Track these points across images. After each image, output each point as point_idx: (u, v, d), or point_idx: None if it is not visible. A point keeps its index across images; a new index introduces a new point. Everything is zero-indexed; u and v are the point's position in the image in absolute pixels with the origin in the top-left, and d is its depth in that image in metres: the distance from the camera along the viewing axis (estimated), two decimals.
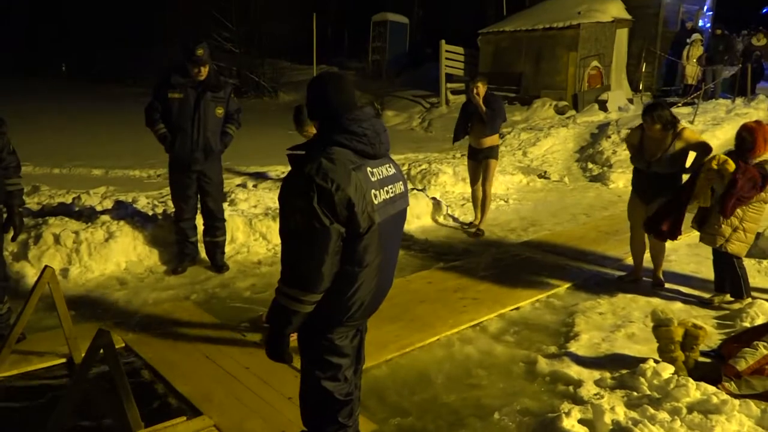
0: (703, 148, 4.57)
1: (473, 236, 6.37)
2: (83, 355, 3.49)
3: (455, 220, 6.96)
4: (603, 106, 13.64)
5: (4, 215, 3.76)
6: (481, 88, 6.17)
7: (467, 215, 7.08)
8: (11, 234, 3.81)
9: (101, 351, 2.66)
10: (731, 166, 4.21)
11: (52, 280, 3.35)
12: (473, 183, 6.62)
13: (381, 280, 2.22)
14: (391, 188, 2.20)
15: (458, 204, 7.68)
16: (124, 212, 5.51)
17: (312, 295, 2.05)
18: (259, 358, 3.62)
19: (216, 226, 5.16)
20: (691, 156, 4.66)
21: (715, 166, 4.27)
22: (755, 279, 4.95)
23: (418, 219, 6.67)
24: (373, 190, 2.10)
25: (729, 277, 4.52)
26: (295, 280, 2.05)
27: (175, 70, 4.78)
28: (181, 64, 4.77)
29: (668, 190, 4.63)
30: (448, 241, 6.16)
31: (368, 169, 2.12)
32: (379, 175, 2.16)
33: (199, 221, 5.24)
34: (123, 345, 3.78)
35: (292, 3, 21.38)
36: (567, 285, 4.95)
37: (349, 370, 2.30)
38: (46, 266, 3.38)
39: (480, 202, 6.57)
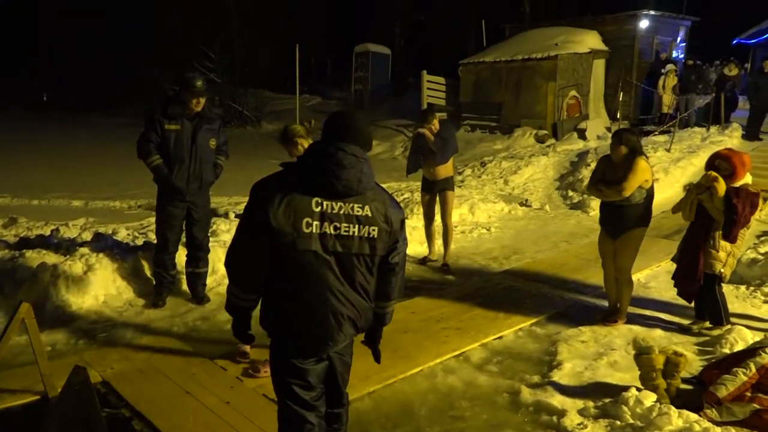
0: (631, 179, 4.40)
1: (441, 271, 6.14)
2: (59, 392, 3.43)
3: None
4: (582, 135, 13.90)
5: None
6: (434, 125, 5.97)
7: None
8: None
9: (77, 388, 2.61)
10: (721, 185, 4.26)
11: (27, 316, 3.29)
12: (427, 216, 6.39)
13: (322, 312, 2.22)
14: (346, 227, 2.18)
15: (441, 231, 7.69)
16: (103, 244, 5.45)
17: (243, 293, 2.28)
18: (240, 393, 3.58)
19: (200, 256, 5.13)
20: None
21: (704, 182, 4.34)
22: (734, 305, 5.01)
23: (407, 245, 6.66)
24: (307, 219, 2.14)
25: (709, 304, 4.58)
26: (230, 276, 2.29)
27: (171, 101, 4.80)
28: (176, 95, 4.80)
29: (632, 222, 4.54)
30: (430, 270, 6.16)
31: (315, 199, 2.15)
32: (331, 209, 2.17)
33: (181, 252, 5.20)
34: (100, 381, 3.70)
35: (274, 34, 21.66)
36: (549, 313, 4.97)
37: (308, 394, 2.34)
38: (21, 301, 3.33)
39: (436, 235, 6.43)
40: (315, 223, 2.15)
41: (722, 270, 4.47)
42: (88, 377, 2.63)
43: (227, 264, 2.29)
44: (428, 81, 16.76)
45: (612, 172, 4.58)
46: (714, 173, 4.34)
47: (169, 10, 21.50)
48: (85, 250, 5.23)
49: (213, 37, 21.59)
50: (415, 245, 6.70)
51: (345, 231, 2.19)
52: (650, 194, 4.56)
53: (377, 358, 2.58)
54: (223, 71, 21.48)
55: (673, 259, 4.86)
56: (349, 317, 2.28)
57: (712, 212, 4.40)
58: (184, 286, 5.25)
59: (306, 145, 3.93)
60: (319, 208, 2.15)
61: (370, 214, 2.23)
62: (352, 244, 2.21)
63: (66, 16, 27.14)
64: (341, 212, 2.18)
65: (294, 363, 2.31)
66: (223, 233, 6.13)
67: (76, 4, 26.59)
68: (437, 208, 6.34)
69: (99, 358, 4.01)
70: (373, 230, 2.24)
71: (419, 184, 6.54)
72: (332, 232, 2.17)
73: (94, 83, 26.51)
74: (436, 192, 6.21)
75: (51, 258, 5.03)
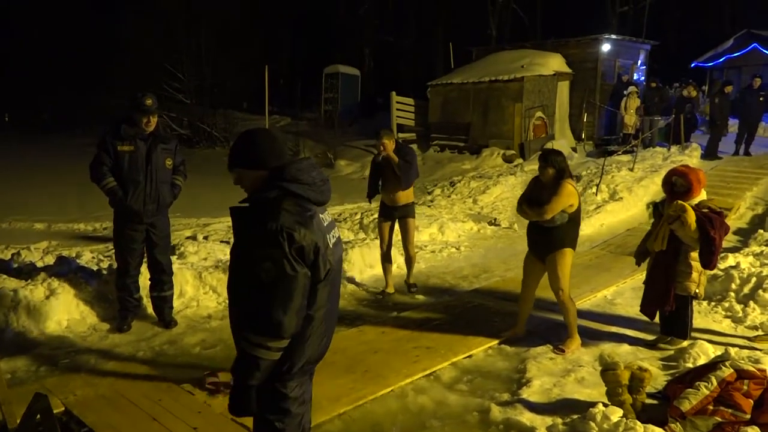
0: (554, 202, 4.40)
1: (408, 293, 6.03)
2: (18, 421, 3.32)
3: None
4: None
5: None
6: (388, 144, 5.68)
7: (419, 263, 7.10)
8: None
9: (38, 416, 2.54)
10: (691, 215, 4.31)
11: None
12: (384, 244, 6.04)
13: (329, 324, 2.31)
14: (332, 234, 2.28)
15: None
16: (66, 268, 5.33)
17: (281, 342, 2.08)
18: (208, 419, 3.52)
19: (163, 280, 5.04)
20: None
21: (673, 213, 4.41)
22: (696, 320, 5.11)
23: (371, 268, 6.67)
24: (326, 235, 2.20)
25: (680, 319, 4.64)
26: (264, 328, 2.05)
27: (123, 122, 4.73)
28: (127, 116, 4.73)
29: (557, 243, 4.52)
30: (401, 290, 6.17)
31: (320, 215, 2.22)
32: (325, 221, 2.26)
33: (144, 276, 5.11)
34: (62, 409, 3.59)
35: (243, 54, 21.65)
36: (519, 332, 5.00)
37: (306, 416, 2.33)
38: None
39: (396, 266, 6.30)
40: (329, 236, 2.22)
41: (697, 290, 4.56)
42: (50, 405, 2.56)
43: (259, 318, 2.04)
44: (397, 102, 16.94)
45: (538, 192, 4.60)
46: (681, 202, 4.40)
47: (137, 32, 21.31)
48: (47, 274, 5.10)
49: (181, 58, 21.50)
50: (378, 267, 6.39)
51: (334, 238, 2.27)
52: (573, 218, 4.55)
53: None
54: (191, 92, 21.37)
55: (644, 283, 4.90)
56: (335, 324, 2.39)
57: (684, 239, 4.44)
58: (150, 310, 5.16)
59: None
60: (324, 222, 2.23)
61: (330, 218, 2.34)
62: (340, 248, 2.34)
63: (32, 38, 26.73)
64: (328, 221, 2.28)
65: (299, 391, 2.24)
66: (191, 255, 6.06)
67: (42, 26, 26.23)
68: (396, 237, 6.08)
69: (61, 385, 3.89)
70: (337, 231, 2.36)
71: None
72: (330, 243, 2.23)
73: (58, 104, 26.09)
74: (395, 218, 5.96)
75: (11, 283, 4.90)
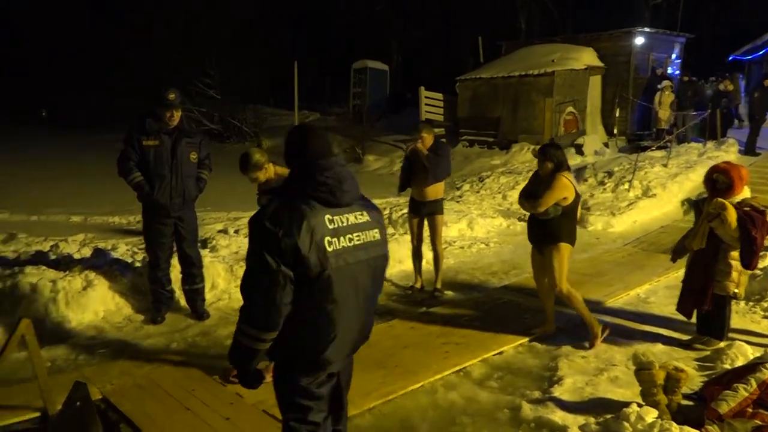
0: (547, 195, 4.39)
1: (431, 297, 5.82)
2: (59, 408, 3.42)
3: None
4: (579, 150, 13.98)
5: None
6: (426, 138, 5.58)
7: (448, 258, 7.09)
8: None
9: (78, 404, 2.60)
10: (731, 213, 4.21)
11: (27, 332, 3.28)
12: (415, 240, 6.01)
13: (343, 328, 2.23)
14: (357, 236, 2.23)
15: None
16: (102, 260, 5.45)
17: (264, 334, 2.13)
18: (240, 410, 3.57)
19: (193, 273, 5.11)
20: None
21: (712, 210, 4.31)
22: (734, 320, 4.99)
23: (400, 264, 6.67)
24: (328, 237, 2.14)
25: (718, 319, 4.55)
26: (248, 318, 2.14)
27: (148, 117, 4.78)
28: (152, 111, 4.79)
29: (553, 237, 4.51)
30: (430, 285, 6.15)
31: (326, 216, 2.16)
32: (341, 222, 2.20)
33: (176, 269, 5.19)
34: (100, 397, 3.68)
35: (273, 50, 21.81)
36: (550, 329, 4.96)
37: (318, 415, 2.31)
38: (21, 317, 3.32)
39: (425, 262, 6.19)
40: (333, 239, 2.15)
41: (736, 291, 4.46)
42: (89, 393, 2.62)
43: (248, 309, 2.13)
44: (426, 97, 16.89)
45: (535, 185, 4.62)
46: (721, 200, 4.31)
47: (168, 29, 21.63)
48: (84, 266, 5.22)
49: (212, 54, 21.74)
50: (408, 262, 6.43)
51: (357, 240, 2.23)
52: (567, 212, 4.50)
53: None
54: (221, 87, 21.60)
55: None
56: (360, 329, 2.32)
57: (724, 238, 4.35)
58: (183, 302, 5.24)
59: (271, 167, 3.96)
60: (333, 224, 2.16)
61: (369, 219, 2.30)
62: (370, 251, 2.27)
63: (68, 35, 27.32)
64: (350, 223, 2.22)
65: (306, 383, 2.25)
66: (223, 248, 6.14)
67: (79, 24, 26.78)
68: (426, 232, 6.01)
69: (99, 373, 3.99)
70: (376, 233, 2.31)
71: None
72: (347, 244, 2.19)
73: (93, 101, 26.64)
74: (423, 215, 5.88)
75: (50, 274, 5.02)
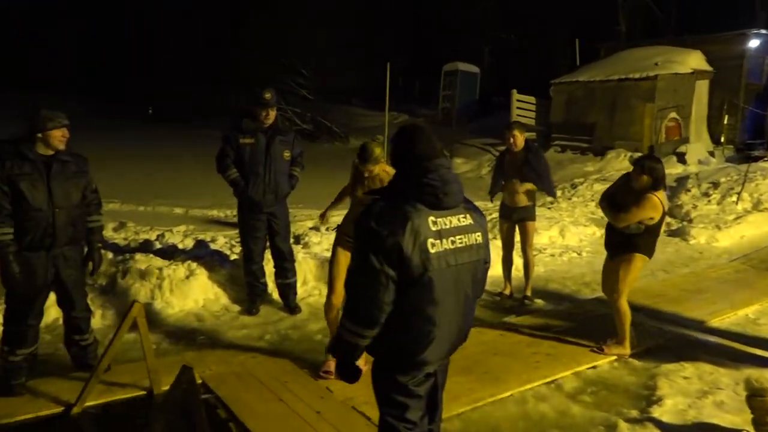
0: (633, 212, 4.17)
1: (520, 305, 5.70)
2: (163, 388, 3.63)
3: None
4: (681, 159, 13.24)
5: (86, 250, 3.92)
6: (519, 137, 5.49)
7: (538, 266, 6.90)
8: (91, 268, 3.93)
9: (184, 386, 2.74)
10: None
11: (139, 315, 3.51)
12: (506, 246, 5.90)
13: (442, 330, 2.23)
14: (460, 239, 2.23)
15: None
16: (204, 251, 5.74)
17: (366, 331, 2.18)
18: (329, 404, 3.64)
19: (286, 267, 5.27)
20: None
21: None
22: None
23: (490, 269, 6.55)
24: (431, 240, 2.15)
25: None
26: (352, 315, 2.20)
27: (245, 116, 4.98)
28: (248, 110, 4.97)
29: (630, 246, 4.32)
30: (519, 293, 6.02)
31: (430, 218, 2.17)
32: (444, 225, 2.20)
33: (271, 262, 5.36)
34: (200, 381, 3.87)
35: (365, 51, 22.13)
36: (647, 345, 4.72)
37: (415, 413, 2.32)
38: (134, 301, 3.56)
39: (515, 268, 6.04)
40: (436, 241, 2.16)
41: None
42: (194, 378, 2.76)
43: (351, 307, 2.20)
44: (518, 100, 16.57)
45: (623, 195, 4.33)
46: None
47: (266, 32, 22.42)
48: (187, 255, 5.52)
49: (306, 55, 22.36)
50: (497, 267, 6.13)
51: (460, 243, 2.23)
52: (650, 230, 4.28)
53: None
54: (314, 88, 22.19)
55: None
56: (458, 331, 2.32)
57: None
58: (276, 296, 5.42)
59: (383, 165, 3.93)
60: (436, 226, 2.18)
61: (472, 222, 2.30)
62: (472, 254, 2.27)
63: (174, 36, 28.97)
64: (453, 225, 2.22)
65: (404, 381, 2.28)
66: (315, 245, 6.29)
67: (183, 25, 28.35)
68: (517, 238, 5.87)
69: (199, 359, 4.20)
70: (478, 236, 2.31)
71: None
72: (450, 246, 2.20)
73: (196, 98, 28.09)
74: (514, 221, 5.74)
75: (157, 262, 5.34)
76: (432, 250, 2.15)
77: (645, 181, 4.22)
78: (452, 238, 2.21)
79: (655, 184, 4.21)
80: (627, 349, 4.47)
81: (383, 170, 3.93)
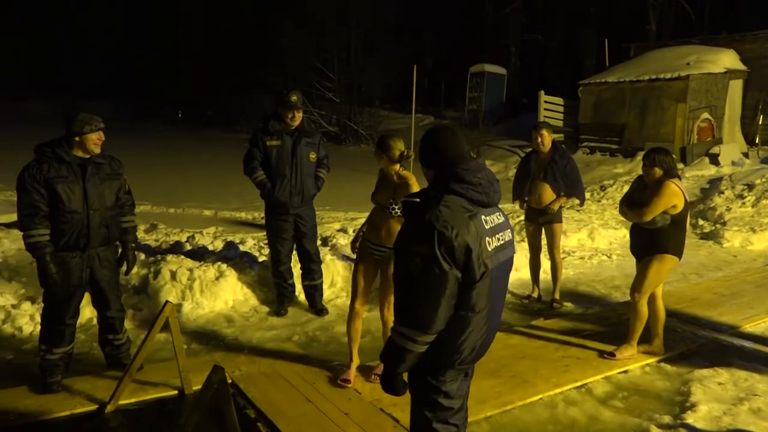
0: (654, 203, 4.10)
1: (548, 308, 5.64)
2: (194, 388, 3.68)
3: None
4: (714, 160, 12.96)
5: (119, 250, 4.00)
6: (546, 136, 5.45)
7: (567, 269, 6.83)
8: (125, 268, 4.02)
9: (216, 387, 2.77)
10: None
11: (171, 315, 3.57)
12: (533, 248, 5.85)
13: (490, 326, 2.26)
14: (501, 236, 2.25)
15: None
16: (233, 252, 5.80)
17: (426, 336, 2.12)
18: (358, 406, 3.64)
19: (313, 268, 5.30)
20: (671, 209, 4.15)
21: None
22: None
23: (517, 271, 6.49)
24: (487, 238, 2.16)
25: None
26: (410, 321, 2.12)
27: (271, 118, 5.02)
28: (275, 112, 5.01)
29: (656, 247, 4.22)
30: (547, 295, 5.96)
31: (482, 216, 2.18)
32: (492, 222, 2.22)
33: (298, 265, 5.40)
34: (230, 381, 3.91)
35: (390, 54, 22.13)
36: (680, 350, 4.64)
37: (458, 416, 2.32)
38: (167, 301, 3.61)
39: (542, 271, 5.97)
40: (490, 239, 2.18)
41: None
42: (226, 378, 2.78)
43: (409, 312, 2.11)
44: (546, 101, 16.42)
45: (640, 193, 4.28)
46: None
47: (291, 36, 22.57)
48: (216, 257, 5.59)
49: (332, 58, 22.47)
50: (524, 270, 6.24)
51: (502, 240, 2.25)
52: (677, 220, 4.17)
53: None
54: (340, 91, 22.28)
55: None
56: (496, 329, 2.34)
57: None
58: (304, 298, 5.45)
59: (397, 166, 3.80)
60: (488, 224, 2.19)
61: (504, 219, 2.32)
62: (508, 251, 2.29)
63: (198, 47, 29.41)
64: (496, 223, 2.24)
65: (449, 383, 2.26)
66: (342, 247, 6.31)
67: (211, 30, 28.75)
68: (544, 240, 5.81)
69: (228, 359, 4.25)
70: (509, 233, 2.33)
71: None
72: (497, 244, 2.21)
73: (222, 102, 28.49)
74: (540, 223, 5.66)
75: (187, 263, 5.41)
76: (489, 248, 2.16)
77: (657, 174, 4.19)
78: (497, 236, 2.23)
79: (667, 173, 4.18)
80: (635, 348, 4.43)
81: (395, 171, 3.79)
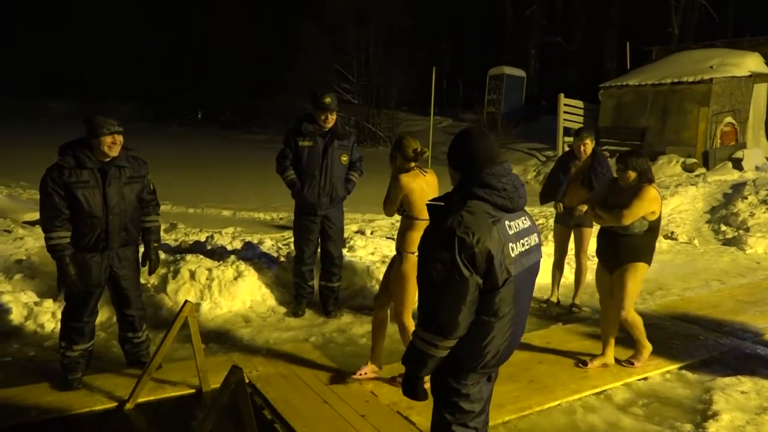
0: (635, 207, 3.99)
1: (568, 312, 5.61)
2: (212, 387, 3.70)
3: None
4: (737, 165, 12.77)
5: (142, 249, 4.03)
6: (590, 145, 5.41)
7: (589, 275, 6.71)
8: (147, 268, 4.04)
9: (234, 387, 2.79)
10: None
11: (191, 314, 3.59)
12: (559, 251, 5.77)
13: (515, 331, 2.24)
14: (526, 241, 2.23)
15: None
16: (252, 253, 5.82)
17: (447, 341, 2.11)
18: (375, 408, 3.64)
19: (333, 271, 5.29)
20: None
21: None
22: None
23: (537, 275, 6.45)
24: (510, 243, 2.14)
25: None
26: (431, 326, 2.12)
27: (305, 119, 5.05)
28: (309, 113, 5.04)
29: (631, 254, 4.11)
30: (567, 300, 5.91)
31: (506, 222, 2.16)
32: (516, 228, 2.20)
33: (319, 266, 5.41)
34: (247, 381, 3.92)
35: (409, 56, 22.14)
36: (701, 357, 4.56)
37: (478, 420, 2.31)
38: (186, 301, 3.63)
39: (565, 273, 5.90)
40: (514, 245, 2.16)
41: None
42: (244, 378, 2.80)
43: (431, 317, 2.10)
44: (565, 104, 16.29)
45: (616, 196, 4.18)
46: None
47: (310, 38, 22.67)
48: (235, 257, 5.61)
49: (351, 60, 22.54)
50: (545, 275, 5.93)
51: (527, 245, 2.23)
52: (653, 227, 4.11)
53: None
54: (359, 93, 22.33)
55: None
56: (522, 333, 2.33)
57: None
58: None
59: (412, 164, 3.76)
60: (511, 230, 2.17)
61: (530, 223, 2.30)
62: (534, 256, 2.27)
63: (221, 43, 29.64)
64: (520, 228, 2.22)
65: (471, 386, 2.24)
66: (360, 248, 6.31)
67: (230, 33, 28.96)
68: (571, 244, 5.73)
69: (245, 359, 4.26)
70: (536, 237, 2.31)
71: (552, 210, 5.83)
72: (522, 249, 2.19)
73: (241, 104, 28.72)
74: (571, 226, 5.61)
75: (206, 263, 5.45)
76: (512, 255, 2.13)
77: (631, 177, 4.12)
78: (522, 241, 2.20)
79: (642, 177, 4.11)
80: (648, 348, 4.36)
81: (407, 175, 3.72)
